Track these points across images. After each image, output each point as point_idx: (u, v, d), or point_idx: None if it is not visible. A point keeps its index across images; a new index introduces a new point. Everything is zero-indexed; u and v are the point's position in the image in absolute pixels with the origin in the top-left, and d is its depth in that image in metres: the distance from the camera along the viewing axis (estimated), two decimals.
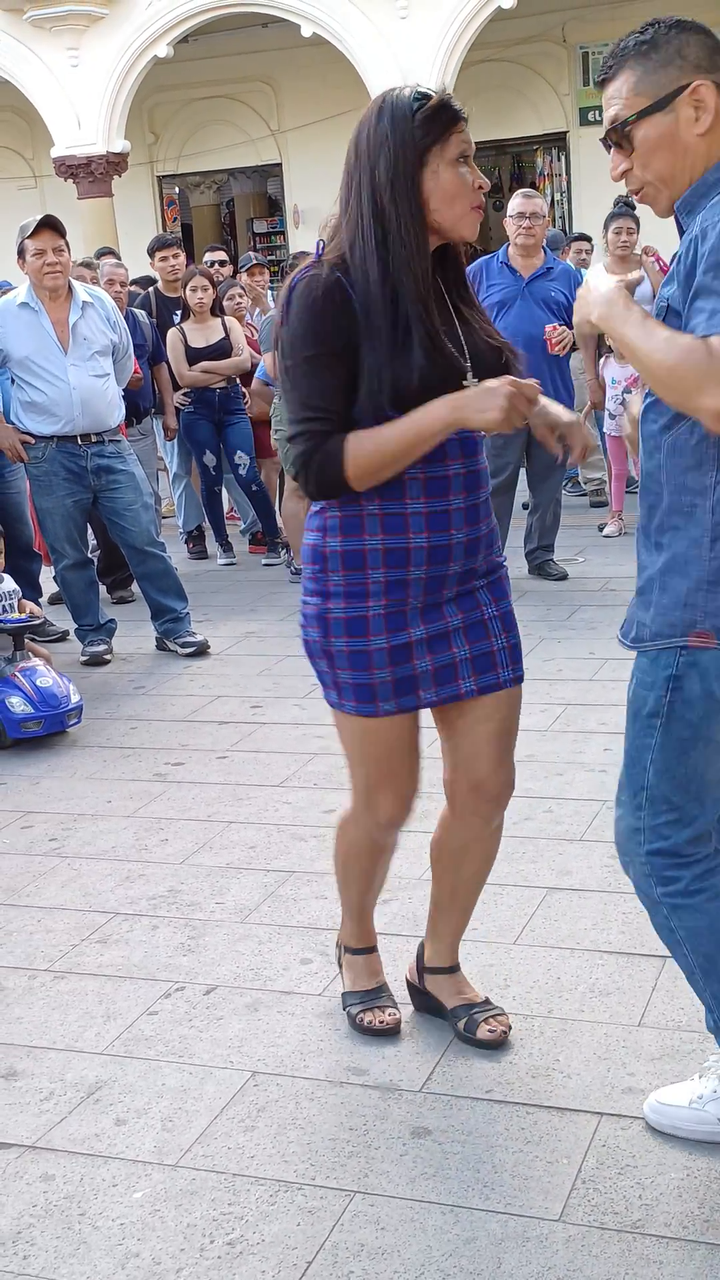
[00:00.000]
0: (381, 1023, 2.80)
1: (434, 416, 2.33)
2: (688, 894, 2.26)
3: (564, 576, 6.76)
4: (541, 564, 6.86)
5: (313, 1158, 2.45)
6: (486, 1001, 2.80)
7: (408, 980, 2.92)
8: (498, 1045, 2.71)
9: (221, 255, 9.50)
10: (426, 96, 2.39)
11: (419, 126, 2.36)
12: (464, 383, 2.40)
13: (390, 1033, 2.78)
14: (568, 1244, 2.18)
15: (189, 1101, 2.65)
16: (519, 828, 3.79)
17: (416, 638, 2.51)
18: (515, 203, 6.67)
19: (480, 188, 2.43)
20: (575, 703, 4.85)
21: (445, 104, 2.40)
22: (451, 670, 2.55)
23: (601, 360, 7.49)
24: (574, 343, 6.55)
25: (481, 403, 2.29)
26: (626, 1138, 2.43)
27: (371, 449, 2.35)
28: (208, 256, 9.33)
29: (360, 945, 2.91)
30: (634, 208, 7.73)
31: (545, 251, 6.69)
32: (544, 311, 6.53)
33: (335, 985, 3.01)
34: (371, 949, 2.92)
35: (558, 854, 3.61)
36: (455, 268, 2.52)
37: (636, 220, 7.60)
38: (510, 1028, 2.75)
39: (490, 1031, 2.73)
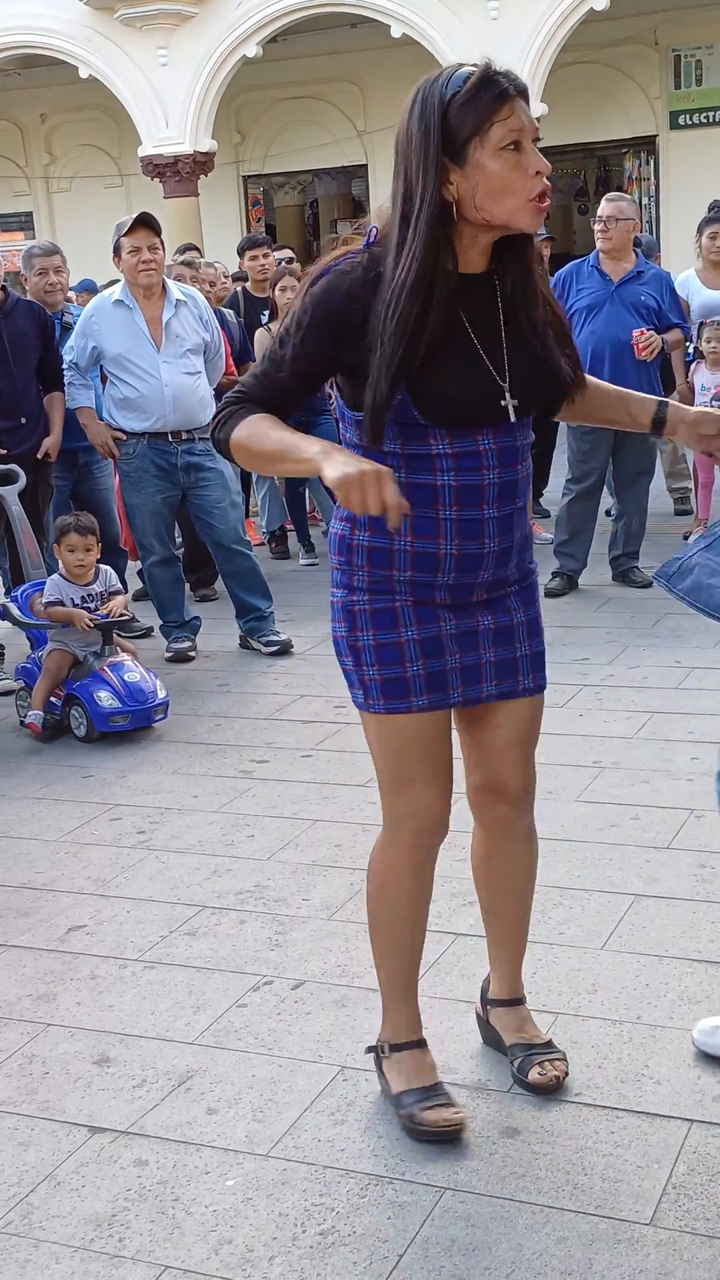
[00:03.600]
0: (446, 1122, 2.46)
1: (307, 449, 2.20)
2: None
3: (649, 584, 6.71)
4: (626, 571, 6.80)
5: (402, 1153, 2.48)
6: (548, 1044, 2.66)
7: (476, 1013, 2.81)
8: (547, 1091, 2.58)
9: (289, 252, 9.50)
10: (467, 79, 2.17)
11: (455, 116, 2.16)
12: (503, 402, 2.31)
13: (454, 1135, 2.46)
14: (659, 1248, 2.19)
15: (279, 1093, 2.69)
16: (605, 834, 3.79)
17: (447, 632, 2.41)
18: (600, 206, 6.71)
19: (538, 173, 2.20)
20: (661, 710, 4.83)
21: (485, 83, 2.16)
22: (476, 672, 2.46)
23: (692, 366, 7.43)
24: (663, 348, 6.51)
25: (342, 468, 2.09)
26: (718, 1145, 2.43)
27: (248, 435, 2.29)
28: (281, 253, 9.22)
29: (407, 1039, 2.59)
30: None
31: (636, 254, 6.65)
32: (633, 316, 6.49)
33: (421, 985, 3.02)
34: (420, 1042, 2.59)
35: (645, 861, 3.60)
36: (520, 276, 2.33)
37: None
38: (566, 1074, 2.61)
39: (540, 1074, 2.59)
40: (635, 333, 6.39)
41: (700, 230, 7.65)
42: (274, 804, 4.27)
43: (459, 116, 2.16)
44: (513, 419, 2.34)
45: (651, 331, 6.40)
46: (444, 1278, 2.16)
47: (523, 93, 2.20)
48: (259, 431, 2.29)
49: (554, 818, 3.93)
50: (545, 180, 2.22)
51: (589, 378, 2.53)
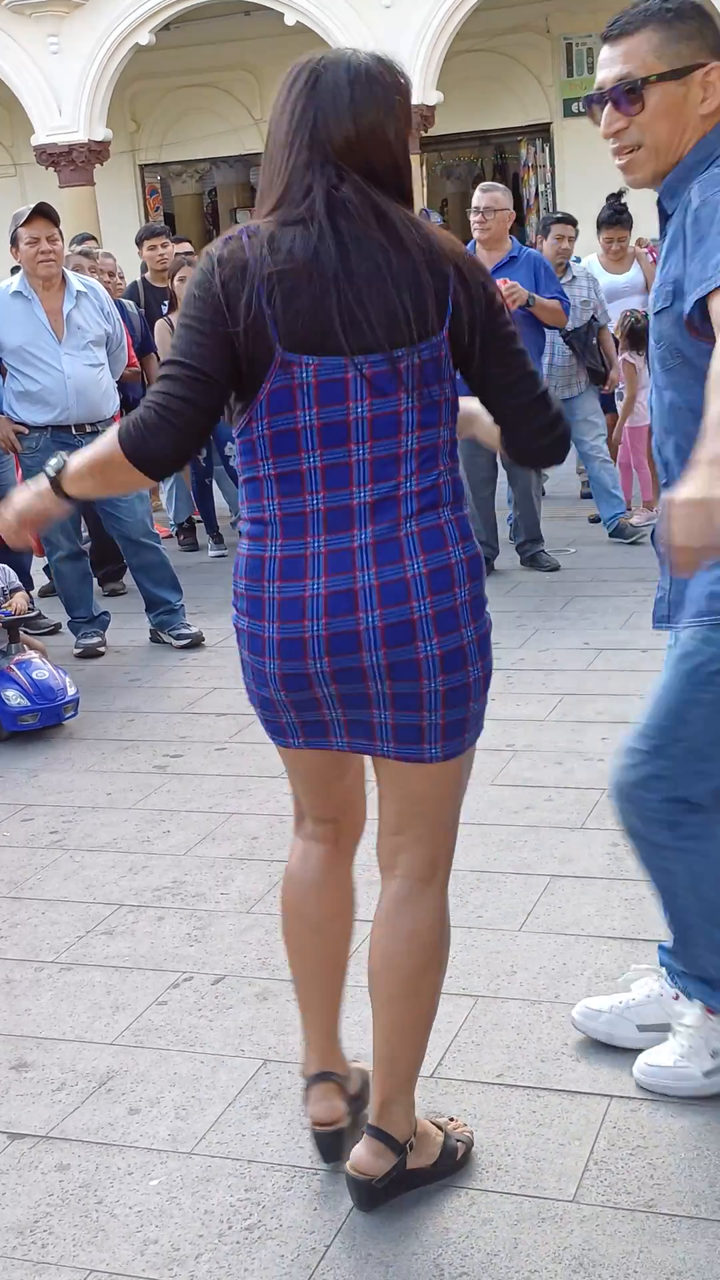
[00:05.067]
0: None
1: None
2: (697, 838, 2.39)
3: (556, 568, 6.82)
4: (533, 556, 6.92)
5: None
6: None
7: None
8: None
9: (187, 245, 9.39)
10: None
11: None
12: None
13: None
14: (582, 1224, 2.21)
15: (201, 1090, 2.68)
16: (520, 817, 3.82)
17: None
18: (474, 195, 6.79)
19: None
20: (572, 692, 4.88)
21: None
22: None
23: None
24: (528, 300, 6.47)
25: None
26: (637, 1119, 2.46)
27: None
28: (180, 246, 9.05)
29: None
30: (625, 210, 7.75)
31: (511, 240, 6.71)
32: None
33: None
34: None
35: (559, 842, 3.64)
36: None
37: (629, 224, 7.77)
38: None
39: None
40: (499, 282, 6.38)
41: (599, 229, 7.89)
42: (189, 798, 4.24)
43: None
44: None
45: (515, 283, 6.40)
46: (371, 1265, 2.16)
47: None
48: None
49: (469, 802, 3.89)
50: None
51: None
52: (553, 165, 15.89)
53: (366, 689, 2.12)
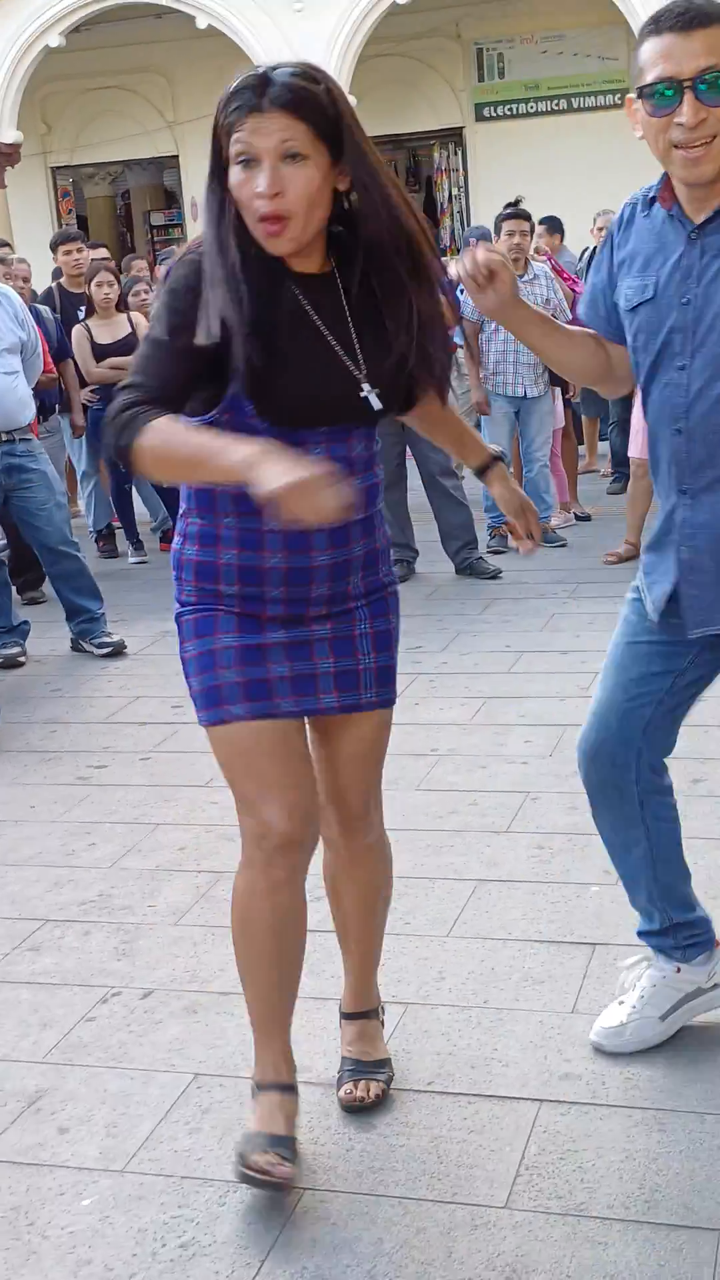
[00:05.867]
0: (269, 1167, 2.28)
1: (230, 456, 1.99)
2: (666, 791, 2.72)
3: (497, 575, 6.78)
4: (469, 564, 6.84)
5: None
6: (378, 1062, 2.60)
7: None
8: (351, 1109, 2.53)
9: (103, 251, 9.34)
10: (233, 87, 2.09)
11: (220, 124, 2.12)
12: (361, 393, 2.23)
13: (274, 1186, 2.30)
14: (515, 1229, 2.23)
15: (132, 1106, 2.66)
16: (445, 821, 3.85)
17: (273, 641, 2.30)
18: None
19: (257, 195, 2.08)
20: (494, 695, 4.92)
21: (234, 94, 2.09)
22: (311, 682, 2.33)
23: None
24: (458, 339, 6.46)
25: (277, 480, 1.90)
26: (566, 1123, 2.49)
27: (161, 442, 2.06)
28: (96, 252, 8.95)
29: (271, 1079, 2.41)
30: (523, 210, 7.45)
31: None
32: None
33: None
34: (284, 1087, 2.42)
35: (485, 846, 3.67)
36: (361, 276, 2.24)
37: (531, 223, 7.44)
38: (378, 1097, 2.54)
39: (347, 1093, 2.55)
40: None
41: (497, 227, 7.43)
42: (114, 810, 4.21)
43: (221, 123, 2.12)
44: (375, 405, 2.25)
45: None
46: (307, 1278, 2.17)
47: (288, 106, 2.06)
48: (162, 437, 2.06)
49: (395, 807, 3.94)
50: (269, 204, 2.08)
51: (445, 405, 2.48)
52: (466, 169, 15.99)
53: None
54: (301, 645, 2.34)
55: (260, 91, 2.06)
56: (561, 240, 10.48)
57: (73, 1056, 2.85)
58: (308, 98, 2.08)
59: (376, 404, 2.26)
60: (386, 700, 2.47)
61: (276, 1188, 2.31)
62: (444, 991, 2.96)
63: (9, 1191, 2.45)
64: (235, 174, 2.11)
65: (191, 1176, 2.44)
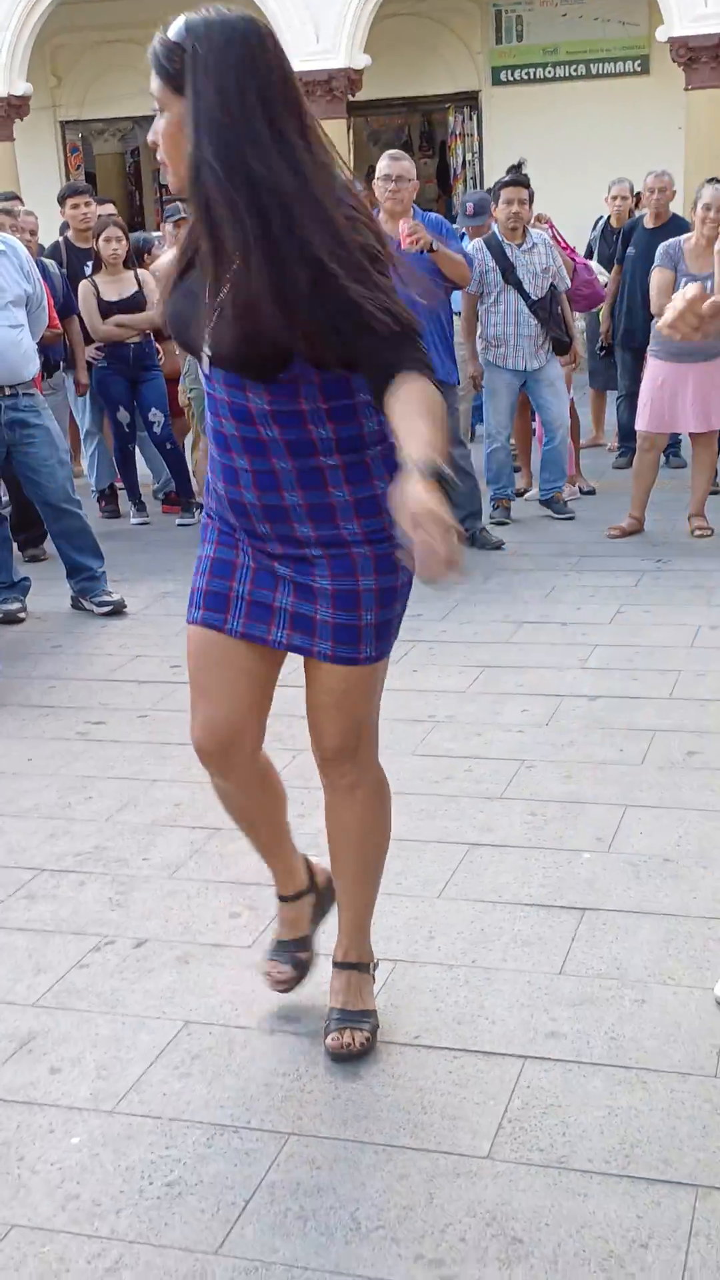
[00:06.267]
0: (270, 972, 2.79)
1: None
2: None
3: (499, 546, 6.78)
4: (472, 535, 6.77)
5: (247, 1102, 2.52)
6: (363, 1012, 2.67)
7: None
8: (338, 1057, 2.61)
9: (110, 208, 9.25)
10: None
11: None
12: (204, 351, 2.29)
13: (278, 986, 2.79)
14: (496, 1179, 2.28)
15: (123, 1050, 2.71)
16: (440, 786, 3.88)
17: (243, 562, 2.44)
18: (381, 164, 6.31)
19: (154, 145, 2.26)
20: (492, 665, 4.95)
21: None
22: (266, 611, 2.44)
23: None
24: (430, 245, 6.10)
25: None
26: (550, 1079, 2.53)
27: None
28: (104, 208, 8.84)
29: (280, 893, 2.83)
30: (522, 177, 7.22)
31: (414, 208, 6.36)
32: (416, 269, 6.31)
33: (264, 938, 3.07)
34: (284, 897, 2.81)
35: (479, 811, 3.71)
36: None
37: (530, 191, 7.20)
38: (363, 1044, 2.61)
39: (334, 1040, 2.62)
40: (401, 223, 6.08)
41: (496, 195, 7.24)
42: (111, 765, 4.25)
43: None
44: (205, 370, 2.32)
45: (418, 223, 6.13)
46: (290, 1219, 2.22)
47: (152, 64, 2.20)
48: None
49: (390, 772, 3.96)
50: (159, 155, 2.25)
51: (393, 396, 2.18)
52: (480, 134, 15.90)
53: None
54: (267, 575, 2.44)
55: (151, 48, 2.23)
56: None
57: (66, 1001, 2.90)
58: (156, 55, 2.21)
59: (206, 365, 2.31)
60: (343, 658, 2.45)
61: (282, 988, 2.77)
62: (433, 950, 3.00)
63: (0, 1127, 2.50)
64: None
65: (179, 1119, 2.48)
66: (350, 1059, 2.60)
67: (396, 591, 2.48)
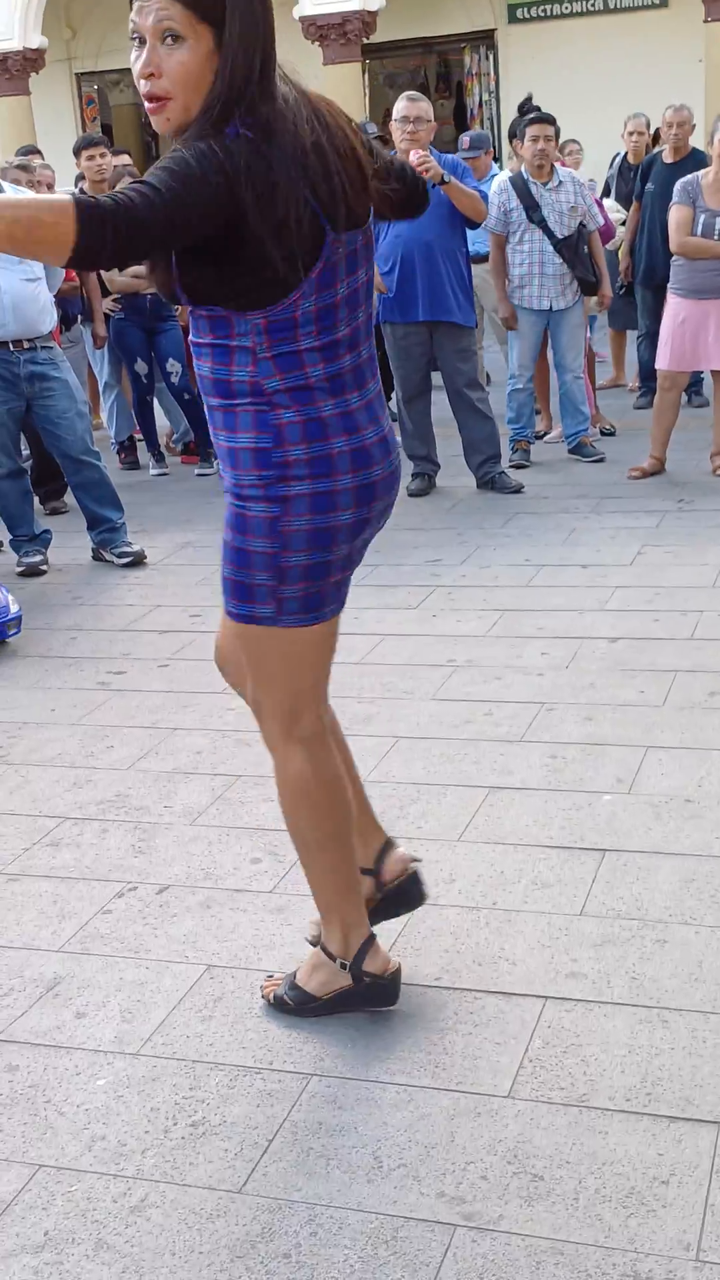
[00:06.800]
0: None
1: None
2: None
3: (519, 489, 6.74)
4: (491, 479, 6.78)
5: (269, 1044, 2.54)
6: (290, 975, 2.67)
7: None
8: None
9: (126, 158, 9.18)
10: None
11: None
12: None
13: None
14: (517, 1117, 2.29)
15: (147, 994, 2.73)
16: (459, 730, 3.88)
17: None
18: (398, 105, 6.35)
19: (141, 77, 2.12)
20: (512, 608, 4.93)
21: None
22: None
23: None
24: (442, 178, 6.09)
25: None
26: (571, 1019, 2.54)
27: None
28: (120, 159, 8.78)
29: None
30: (548, 114, 7.14)
31: (431, 150, 6.35)
32: (434, 216, 6.15)
33: (284, 883, 3.09)
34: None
35: (498, 755, 3.70)
36: None
37: (556, 127, 7.13)
38: (266, 1000, 2.64)
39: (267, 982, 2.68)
40: (414, 154, 6.07)
41: (520, 132, 7.19)
42: (132, 714, 4.26)
43: None
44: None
45: (427, 154, 6.11)
46: (312, 1158, 2.24)
47: None
48: None
49: (410, 716, 4.01)
50: (146, 85, 2.11)
51: None
52: (496, 73, 15.67)
53: (367, 536, 2.41)
54: None
55: None
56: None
57: (90, 946, 2.92)
58: None
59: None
60: (230, 612, 2.39)
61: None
62: (453, 893, 3.01)
63: (28, 1070, 2.53)
64: (131, 54, 2.14)
65: (203, 1061, 2.51)
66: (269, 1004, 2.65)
67: (250, 556, 2.31)
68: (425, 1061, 2.45)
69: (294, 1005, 2.61)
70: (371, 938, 2.58)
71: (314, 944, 2.66)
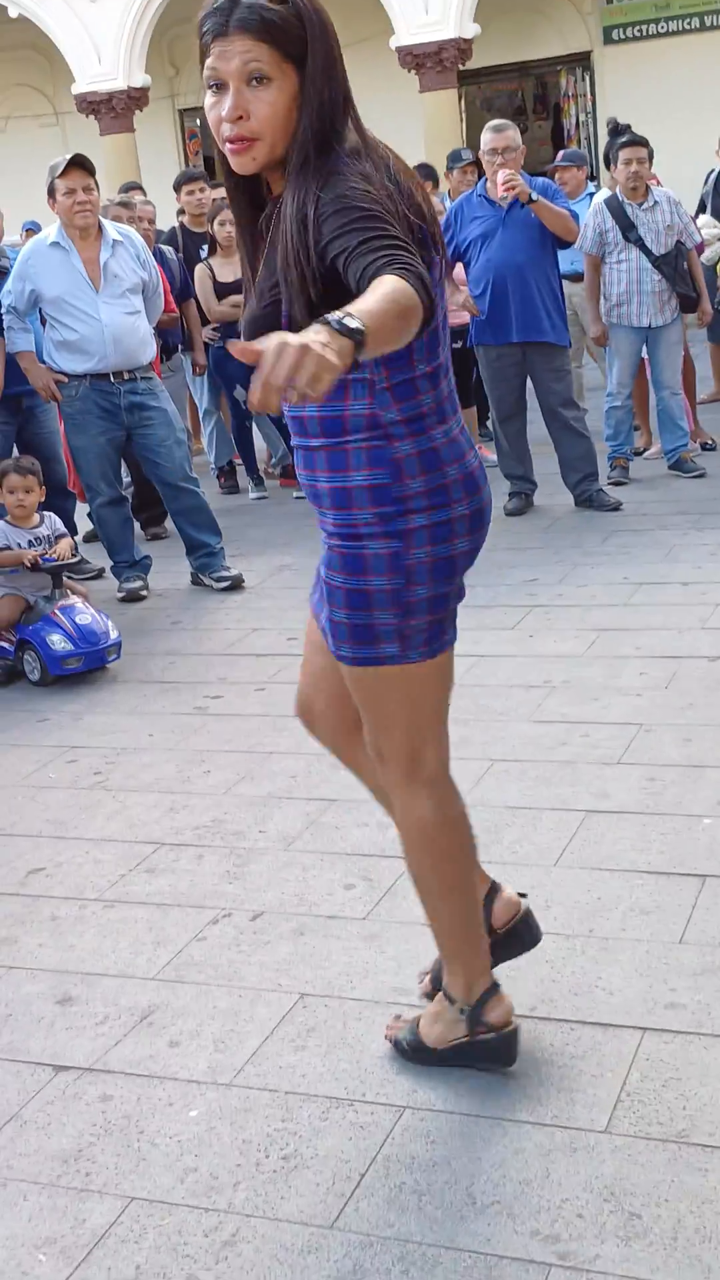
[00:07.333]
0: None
1: None
2: None
3: (617, 507, 6.66)
4: (589, 496, 6.72)
5: (362, 1075, 2.51)
6: (412, 1023, 2.58)
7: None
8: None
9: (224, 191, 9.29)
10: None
11: (198, 33, 2.10)
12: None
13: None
14: (614, 1153, 2.23)
15: (240, 1023, 2.72)
16: (556, 753, 3.83)
17: None
18: (484, 138, 6.55)
19: (223, 119, 2.08)
20: (610, 628, 4.86)
21: (203, 19, 2.08)
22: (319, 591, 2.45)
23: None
24: (529, 196, 6.23)
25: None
26: (670, 1051, 2.48)
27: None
28: (218, 192, 8.96)
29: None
30: (641, 136, 7.09)
31: (522, 174, 6.40)
32: (525, 237, 6.42)
33: (378, 910, 3.07)
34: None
35: (595, 777, 3.64)
36: (278, 208, 2.16)
37: (649, 150, 7.07)
38: (392, 1042, 2.57)
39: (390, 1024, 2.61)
40: (501, 173, 6.22)
41: (614, 156, 7.17)
42: (229, 738, 4.28)
43: (200, 32, 2.11)
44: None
45: (513, 172, 6.22)
46: (405, 1194, 2.20)
47: (250, 28, 2.03)
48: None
49: (506, 738, 3.96)
50: (233, 128, 2.08)
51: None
52: (593, 94, 15.61)
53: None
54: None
55: (227, 14, 2.05)
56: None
57: (184, 974, 2.92)
58: (271, 19, 2.04)
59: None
60: (340, 657, 2.32)
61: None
62: (549, 920, 2.95)
63: (121, 1100, 2.53)
64: (207, 99, 2.12)
65: (295, 1092, 2.49)
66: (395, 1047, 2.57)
67: (369, 596, 2.24)
68: (520, 1095, 2.41)
69: (410, 1052, 2.54)
70: (495, 987, 2.49)
71: (429, 998, 2.60)
